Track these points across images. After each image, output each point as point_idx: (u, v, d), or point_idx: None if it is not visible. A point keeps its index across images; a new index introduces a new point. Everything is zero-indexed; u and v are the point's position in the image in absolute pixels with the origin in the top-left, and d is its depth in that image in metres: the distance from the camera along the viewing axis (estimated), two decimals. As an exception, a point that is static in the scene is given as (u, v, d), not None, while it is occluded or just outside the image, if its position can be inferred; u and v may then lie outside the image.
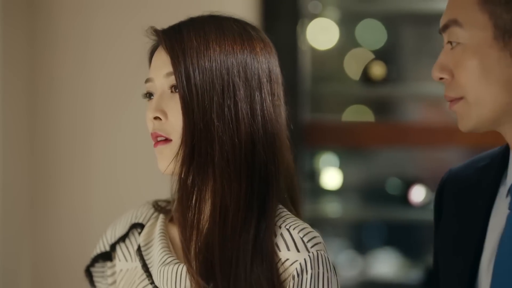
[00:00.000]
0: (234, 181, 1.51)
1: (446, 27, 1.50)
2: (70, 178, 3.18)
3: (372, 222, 3.98)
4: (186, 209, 1.53)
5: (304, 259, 1.50)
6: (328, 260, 1.51)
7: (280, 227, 1.53)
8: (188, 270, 1.51)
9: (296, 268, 1.49)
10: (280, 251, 1.51)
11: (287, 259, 1.50)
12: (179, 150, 1.52)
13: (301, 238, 1.51)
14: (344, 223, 4.00)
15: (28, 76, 3.14)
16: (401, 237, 3.92)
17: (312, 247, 1.50)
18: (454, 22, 1.49)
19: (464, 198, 1.63)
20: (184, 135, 1.52)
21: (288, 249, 1.51)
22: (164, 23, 1.59)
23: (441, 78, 1.52)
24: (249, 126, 1.53)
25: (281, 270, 1.50)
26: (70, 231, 3.16)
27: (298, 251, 1.50)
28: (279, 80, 1.59)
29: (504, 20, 1.45)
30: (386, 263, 3.78)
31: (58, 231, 3.17)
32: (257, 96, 1.54)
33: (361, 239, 3.99)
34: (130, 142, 3.10)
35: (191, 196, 1.53)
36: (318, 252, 1.50)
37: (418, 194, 3.62)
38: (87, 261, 1.71)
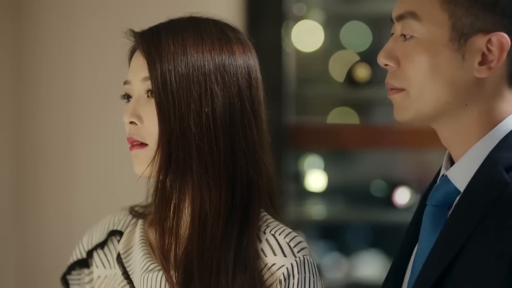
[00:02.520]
0: (213, 188, 1.50)
1: (401, 17, 1.47)
2: (55, 179, 3.17)
3: (357, 224, 3.98)
4: (164, 218, 1.52)
5: (291, 264, 1.50)
6: (314, 265, 1.52)
7: (264, 232, 1.53)
8: (166, 279, 1.51)
9: (283, 273, 1.49)
10: (266, 256, 1.51)
11: (274, 264, 1.50)
12: (155, 155, 1.51)
13: (287, 243, 1.51)
14: (329, 225, 3.99)
15: (14, 76, 3.13)
16: (386, 239, 3.92)
17: (298, 252, 1.51)
18: (411, 14, 1.46)
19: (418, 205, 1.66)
20: (161, 141, 1.50)
21: (275, 254, 1.51)
22: (147, 24, 1.58)
23: (386, 65, 1.51)
24: (229, 133, 1.51)
25: (267, 275, 1.50)
26: (55, 231, 3.15)
27: (285, 256, 1.50)
28: (260, 85, 1.57)
29: (463, 23, 1.43)
30: (370, 265, 3.78)
31: (43, 232, 3.16)
32: (237, 102, 1.52)
33: (346, 241, 3.99)
34: (116, 143, 3.08)
35: (169, 203, 1.52)
36: (305, 257, 1.50)
37: (402, 196, 3.62)
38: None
